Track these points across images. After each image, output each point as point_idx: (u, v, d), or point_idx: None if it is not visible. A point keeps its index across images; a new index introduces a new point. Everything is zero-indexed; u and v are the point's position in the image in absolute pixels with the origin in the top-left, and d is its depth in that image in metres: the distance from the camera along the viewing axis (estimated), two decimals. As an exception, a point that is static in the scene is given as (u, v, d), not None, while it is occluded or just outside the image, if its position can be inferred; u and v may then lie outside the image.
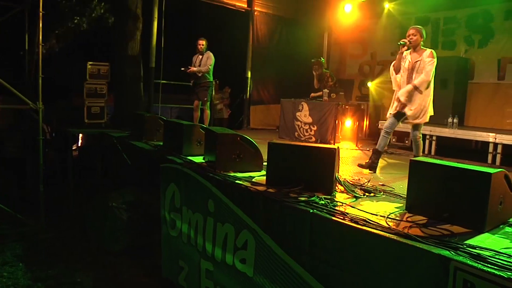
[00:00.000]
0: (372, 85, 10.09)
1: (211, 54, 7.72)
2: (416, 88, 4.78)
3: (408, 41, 4.86)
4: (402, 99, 4.84)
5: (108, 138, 6.74)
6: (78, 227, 6.30)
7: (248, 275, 3.62)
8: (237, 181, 3.87)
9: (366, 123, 9.46)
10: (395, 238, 2.44)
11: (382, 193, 3.71)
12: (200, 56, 7.70)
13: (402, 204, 3.26)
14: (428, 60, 4.71)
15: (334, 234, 2.80)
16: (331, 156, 3.53)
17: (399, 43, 4.96)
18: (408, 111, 4.86)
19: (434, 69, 4.72)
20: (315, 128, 8.05)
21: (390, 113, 5.03)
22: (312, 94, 8.44)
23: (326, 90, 8.26)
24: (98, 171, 7.31)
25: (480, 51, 8.02)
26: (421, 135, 5.06)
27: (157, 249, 5.10)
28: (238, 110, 10.72)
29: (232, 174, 4.15)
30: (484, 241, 2.47)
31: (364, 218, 2.77)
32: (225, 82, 10.60)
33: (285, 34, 10.46)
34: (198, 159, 4.84)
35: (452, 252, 2.22)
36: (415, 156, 5.00)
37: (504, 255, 2.23)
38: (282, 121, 8.71)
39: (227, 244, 3.89)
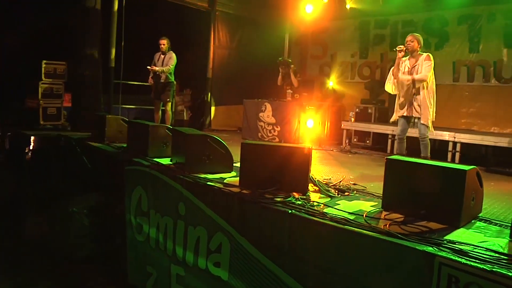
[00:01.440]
0: (333, 86, 10.26)
1: (173, 54, 7.59)
2: (414, 81, 5.14)
3: (406, 47, 5.19)
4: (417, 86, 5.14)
5: (66, 140, 6.43)
6: (36, 235, 5.96)
7: (222, 279, 3.54)
8: (209, 183, 3.78)
9: (327, 123, 9.58)
10: (378, 236, 2.45)
11: (355, 192, 3.74)
12: (163, 56, 7.55)
13: (377, 203, 3.30)
14: (425, 63, 5.10)
15: (314, 234, 2.78)
16: (306, 156, 3.53)
17: (394, 49, 5.33)
18: (417, 114, 5.22)
19: (432, 71, 5.12)
20: (278, 128, 8.08)
21: (399, 116, 5.38)
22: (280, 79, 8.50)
23: (289, 91, 8.32)
24: (54, 175, 6.96)
25: (437, 53, 8.31)
26: (428, 135, 5.32)
27: (123, 255, 4.90)
28: (199, 111, 10.58)
29: (202, 175, 4.05)
30: (461, 236, 2.53)
31: (345, 218, 2.77)
32: (186, 83, 10.43)
33: (247, 35, 10.44)
34: (165, 161, 4.70)
35: (435, 248, 2.25)
36: (423, 156, 5.21)
37: (482, 248, 2.29)
38: (245, 122, 8.68)
39: (200, 247, 3.79)
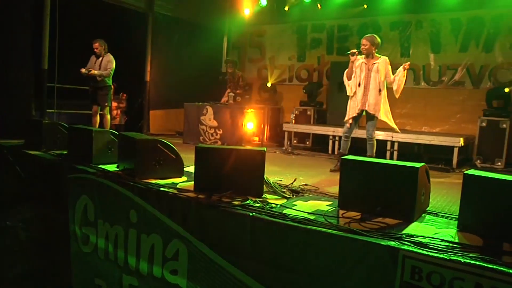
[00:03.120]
0: (271, 89, 10.41)
1: (111, 57, 7.29)
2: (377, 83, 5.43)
3: (361, 50, 5.34)
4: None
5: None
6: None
7: (180, 287, 3.47)
8: (162, 189, 3.69)
9: (267, 126, 9.71)
10: (342, 234, 2.53)
11: (309, 192, 3.82)
12: (100, 59, 7.23)
13: (332, 202, 3.40)
14: (389, 67, 5.37)
15: (277, 236, 2.81)
16: (260, 159, 3.55)
17: (346, 52, 5.44)
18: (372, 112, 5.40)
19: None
20: (220, 132, 8.08)
21: (352, 116, 5.47)
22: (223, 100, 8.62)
23: (231, 94, 8.35)
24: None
25: (371, 57, 8.78)
26: (375, 136, 5.51)
27: (66, 269, 4.63)
28: (136, 115, 10.26)
29: (153, 181, 3.94)
30: (416, 229, 2.69)
31: (305, 218, 2.82)
32: (123, 86, 10.07)
33: (185, 37, 10.27)
34: (111, 167, 4.51)
35: (397, 242, 2.37)
36: (369, 155, 5.34)
37: (437, 239, 2.45)
38: (186, 125, 8.58)
39: (154, 256, 3.68)
